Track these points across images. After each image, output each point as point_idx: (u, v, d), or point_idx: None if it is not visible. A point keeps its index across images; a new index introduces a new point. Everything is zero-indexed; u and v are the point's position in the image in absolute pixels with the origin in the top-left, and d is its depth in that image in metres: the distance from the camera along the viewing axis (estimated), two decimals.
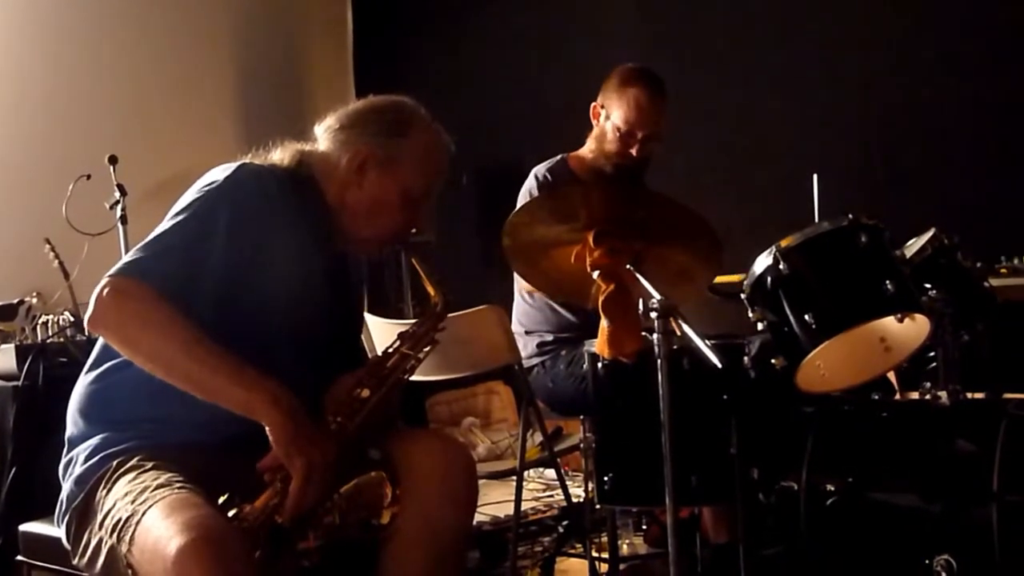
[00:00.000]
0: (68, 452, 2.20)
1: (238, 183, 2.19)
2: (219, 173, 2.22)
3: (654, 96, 3.48)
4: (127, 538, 1.95)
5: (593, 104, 3.58)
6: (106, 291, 2.03)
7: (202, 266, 2.11)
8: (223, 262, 2.13)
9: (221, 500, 1.97)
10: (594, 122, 3.59)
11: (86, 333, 4.10)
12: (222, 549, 1.83)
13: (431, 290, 2.34)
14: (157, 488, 1.98)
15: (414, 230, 2.38)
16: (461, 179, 5.73)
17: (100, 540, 2.04)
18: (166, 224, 2.15)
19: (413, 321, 2.37)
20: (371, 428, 2.19)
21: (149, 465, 2.06)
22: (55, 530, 2.23)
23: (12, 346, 3.95)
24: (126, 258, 2.10)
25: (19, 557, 2.54)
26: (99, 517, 2.05)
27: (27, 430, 3.78)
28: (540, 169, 3.59)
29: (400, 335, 2.31)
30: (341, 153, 2.30)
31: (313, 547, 2.04)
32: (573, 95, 3.88)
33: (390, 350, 2.28)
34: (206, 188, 2.19)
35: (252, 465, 2.04)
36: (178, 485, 1.98)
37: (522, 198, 3.54)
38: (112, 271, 2.06)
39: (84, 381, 2.24)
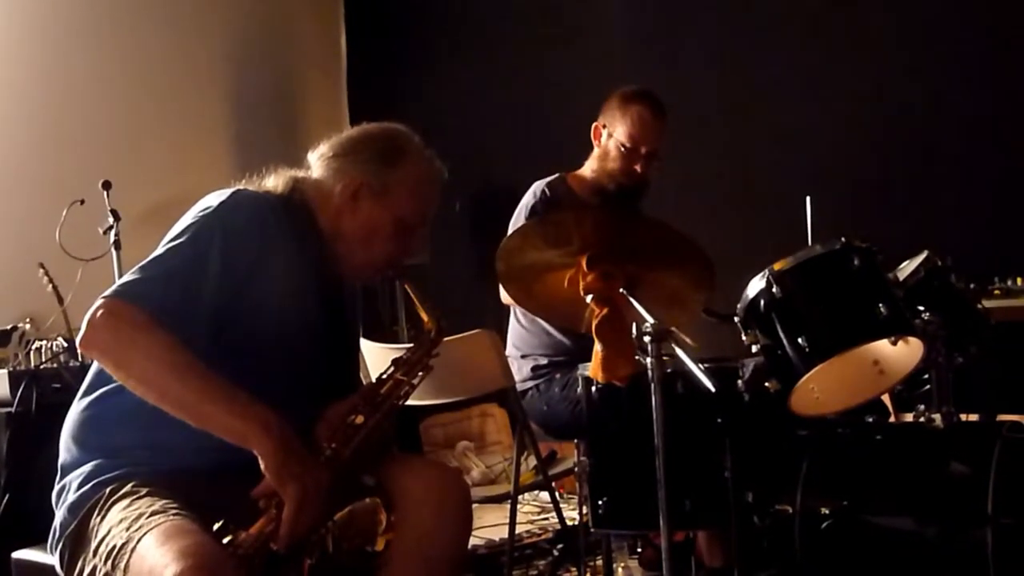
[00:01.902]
0: (61, 479, 2.19)
1: (232, 208, 2.20)
2: (213, 199, 2.22)
3: (656, 113, 3.54)
4: (122, 565, 1.93)
5: (594, 124, 3.60)
6: (99, 313, 2.02)
7: (197, 291, 2.11)
8: (217, 287, 2.13)
9: (216, 527, 1.96)
10: (595, 142, 3.61)
11: (80, 359, 4.10)
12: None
13: (425, 316, 2.34)
14: (152, 515, 1.97)
15: (408, 256, 2.38)
16: (454, 205, 5.74)
17: (95, 567, 2.02)
18: (161, 249, 2.15)
19: (407, 346, 2.37)
20: (365, 454, 2.18)
21: (143, 492, 2.05)
22: (48, 557, 2.21)
23: (5, 372, 3.95)
24: (121, 281, 2.10)
25: None
26: (93, 544, 2.04)
27: (20, 457, 3.77)
28: (539, 185, 3.60)
29: (394, 361, 2.31)
30: (335, 181, 2.30)
31: (307, 574, 2.03)
32: (566, 119, 3.90)
33: (384, 376, 2.28)
34: (201, 213, 2.19)
35: (247, 491, 2.03)
36: (173, 512, 1.97)
37: (520, 212, 3.55)
38: (106, 293, 2.05)
39: (77, 407, 2.23)
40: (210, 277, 2.11)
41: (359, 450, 2.16)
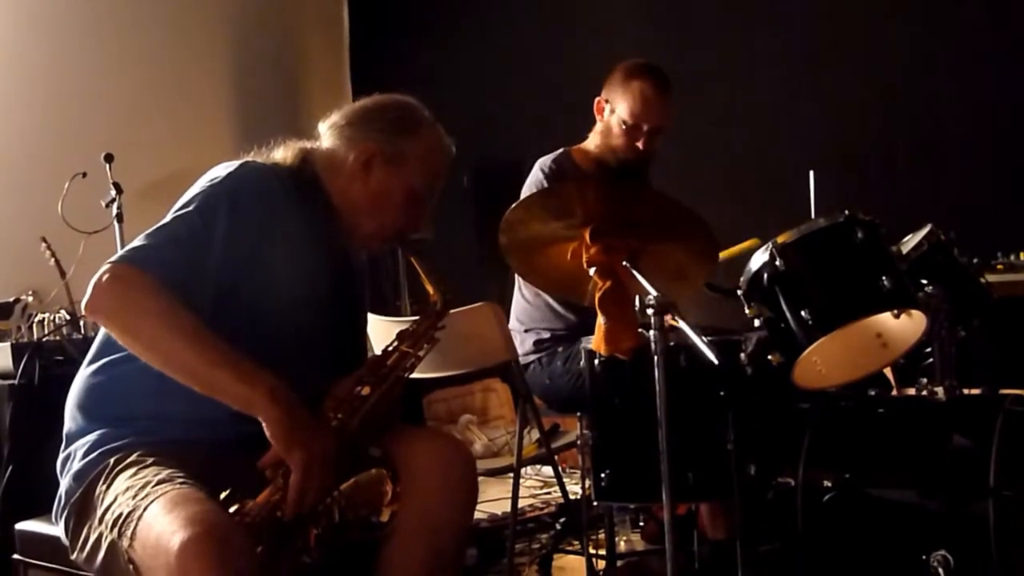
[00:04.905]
0: (66, 447, 2.19)
1: (240, 179, 2.20)
2: (222, 170, 2.23)
3: (659, 89, 3.49)
4: (128, 533, 1.94)
5: (597, 99, 3.57)
6: (106, 278, 2.03)
7: (202, 260, 2.12)
8: (223, 258, 2.13)
9: (223, 496, 1.97)
10: (598, 117, 3.59)
11: (82, 331, 4.10)
12: (225, 544, 1.83)
13: (430, 289, 2.34)
14: (159, 483, 1.97)
15: (416, 229, 2.38)
16: (462, 180, 5.73)
17: (100, 535, 2.03)
18: (168, 217, 2.16)
19: (412, 319, 2.37)
20: (372, 426, 2.19)
21: (149, 461, 2.06)
22: (51, 528, 2.22)
23: (8, 345, 3.94)
24: (127, 247, 2.11)
25: (15, 556, 2.54)
26: (99, 512, 2.05)
27: (23, 429, 3.78)
28: (545, 161, 3.58)
29: (400, 333, 2.31)
30: (347, 149, 2.31)
31: (314, 543, 2.03)
32: (570, 93, 3.89)
33: (390, 348, 2.29)
34: (209, 183, 2.20)
35: (252, 462, 2.03)
36: (179, 481, 1.98)
37: (528, 190, 3.53)
38: (113, 259, 2.07)
39: (83, 375, 2.24)
40: (216, 247, 2.12)
41: (365, 421, 2.17)
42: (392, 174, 2.30)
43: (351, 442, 2.12)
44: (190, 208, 2.14)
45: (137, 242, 2.10)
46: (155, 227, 2.13)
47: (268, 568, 1.96)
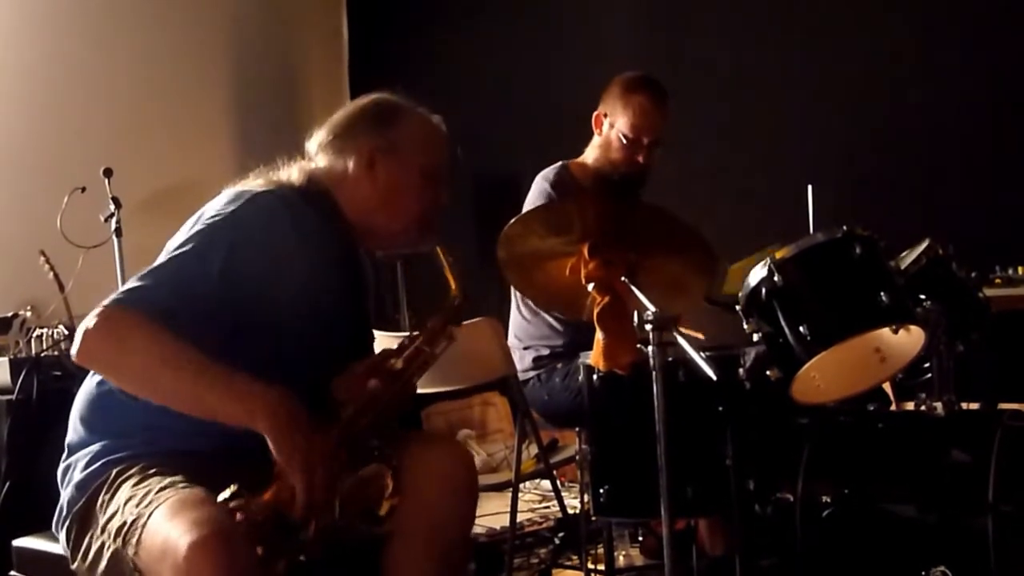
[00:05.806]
0: (67, 458, 2.19)
1: (242, 218, 2.16)
2: (224, 204, 2.20)
3: (658, 102, 3.50)
4: (133, 541, 1.94)
5: (595, 113, 3.57)
6: (93, 322, 2.01)
7: (200, 298, 2.08)
8: (222, 295, 2.09)
9: (230, 491, 1.93)
10: (596, 131, 3.58)
11: None
12: (232, 544, 1.82)
13: (452, 282, 2.31)
14: (161, 490, 1.97)
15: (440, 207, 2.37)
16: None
17: (103, 544, 2.03)
18: (164, 256, 2.14)
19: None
20: (381, 425, 2.18)
21: (152, 471, 2.05)
22: (49, 545, 2.22)
23: (6, 360, 3.94)
24: (121, 288, 2.08)
25: (12, 573, 2.53)
26: (101, 522, 2.04)
27: (21, 444, 3.77)
28: (548, 174, 3.57)
29: (417, 327, 2.30)
30: (345, 159, 2.31)
31: (312, 539, 2.01)
32: (570, 105, 3.89)
33: (405, 342, 2.26)
34: (209, 221, 2.16)
35: (255, 470, 2.02)
36: (181, 485, 1.97)
37: (532, 203, 3.52)
38: (105, 301, 2.04)
39: (88, 386, 2.23)
40: (212, 285, 2.09)
41: (375, 422, 2.15)
42: (396, 163, 2.31)
43: (358, 440, 2.11)
44: (186, 248, 2.11)
45: (129, 284, 2.08)
46: (149, 268, 2.11)
47: (268, 565, 1.94)
